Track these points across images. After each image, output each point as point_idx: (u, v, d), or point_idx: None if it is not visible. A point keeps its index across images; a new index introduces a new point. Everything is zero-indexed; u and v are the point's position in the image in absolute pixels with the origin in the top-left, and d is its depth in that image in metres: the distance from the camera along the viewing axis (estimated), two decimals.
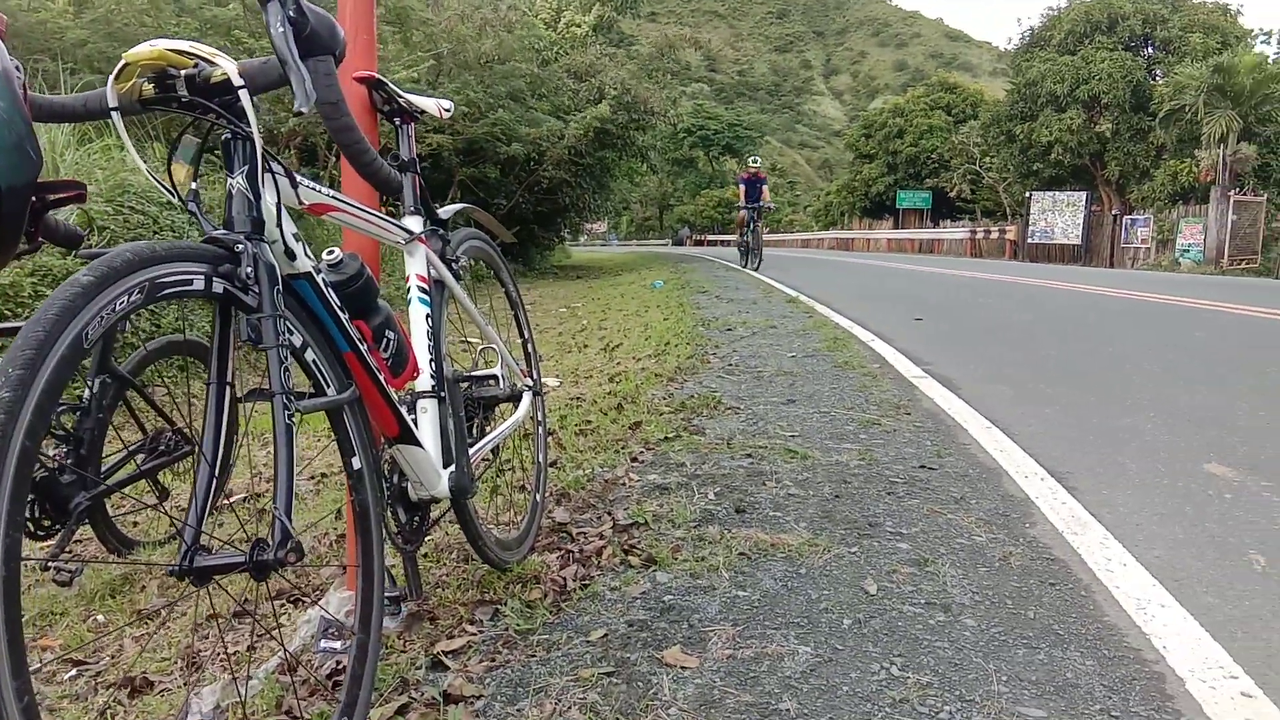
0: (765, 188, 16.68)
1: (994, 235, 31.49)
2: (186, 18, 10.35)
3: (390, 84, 1.75)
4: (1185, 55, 27.08)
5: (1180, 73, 25.29)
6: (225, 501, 3.03)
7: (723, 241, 60.95)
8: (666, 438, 3.47)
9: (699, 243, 63.09)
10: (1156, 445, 3.32)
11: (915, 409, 4.00)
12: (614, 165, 22.68)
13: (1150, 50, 29.79)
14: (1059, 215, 27.99)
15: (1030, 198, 28.98)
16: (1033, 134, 29.48)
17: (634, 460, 3.16)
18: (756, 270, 15.48)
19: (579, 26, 24.75)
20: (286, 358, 1.23)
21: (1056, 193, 28.86)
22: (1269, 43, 28.67)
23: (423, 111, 1.86)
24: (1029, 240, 28.48)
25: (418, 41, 12.08)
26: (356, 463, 1.46)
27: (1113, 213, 28.03)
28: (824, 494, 2.73)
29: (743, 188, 16.76)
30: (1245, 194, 23.24)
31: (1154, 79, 28.30)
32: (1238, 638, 1.80)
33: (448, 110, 1.94)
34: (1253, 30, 29.49)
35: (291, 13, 1.12)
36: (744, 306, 9.03)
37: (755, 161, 17.23)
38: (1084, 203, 27.73)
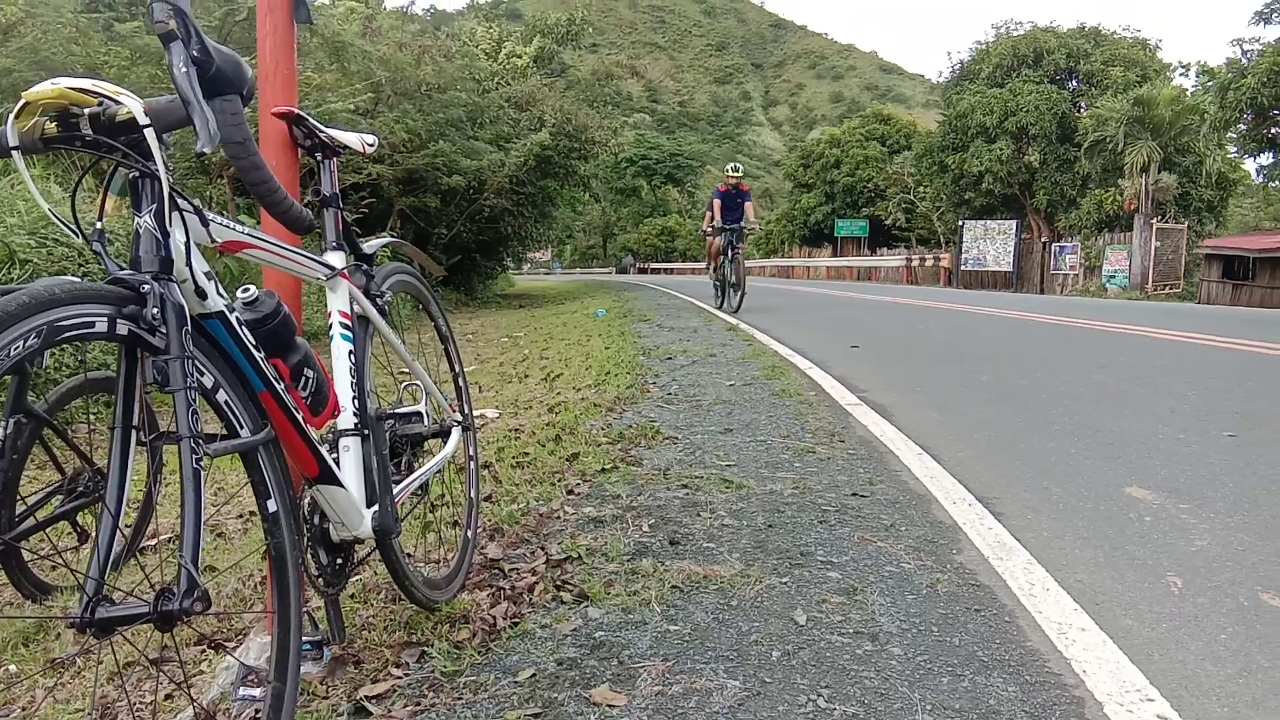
0: (749, 203, 12.82)
1: (929, 263, 32.26)
2: (117, 45, 10.16)
3: (311, 119, 1.74)
4: (1107, 88, 28.17)
5: (1102, 105, 26.31)
6: (151, 542, 2.94)
7: (666, 270, 61.40)
8: (604, 469, 3.46)
9: (643, 271, 63.44)
10: (1081, 469, 3.40)
11: (849, 436, 4.05)
12: (556, 194, 22.77)
13: (1074, 83, 30.91)
14: (990, 243, 28.78)
15: (963, 226, 29.77)
16: (964, 164, 30.30)
17: (570, 493, 3.14)
18: (736, 311, 11.91)
19: (520, 58, 24.83)
20: (194, 400, 1.20)
21: (988, 221, 29.71)
22: (1187, 75, 29.92)
23: (345, 146, 1.84)
24: (962, 267, 29.20)
25: (355, 70, 12.00)
26: (272, 505, 1.43)
27: (1042, 240, 28.92)
28: (757, 524, 2.75)
29: (718, 202, 12.72)
30: (1167, 222, 24.16)
31: (1078, 111, 29.34)
32: (1155, 660, 1.84)
33: (371, 145, 1.93)
34: (1171, 64, 30.81)
35: (195, 52, 1.11)
36: (685, 335, 9.08)
37: (736, 170, 13.09)
38: (1014, 231, 28.57)
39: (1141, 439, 3.90)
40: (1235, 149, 24.38)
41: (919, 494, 3.10)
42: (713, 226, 12.85)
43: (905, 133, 44.82)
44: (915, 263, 33.51)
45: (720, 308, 12.92)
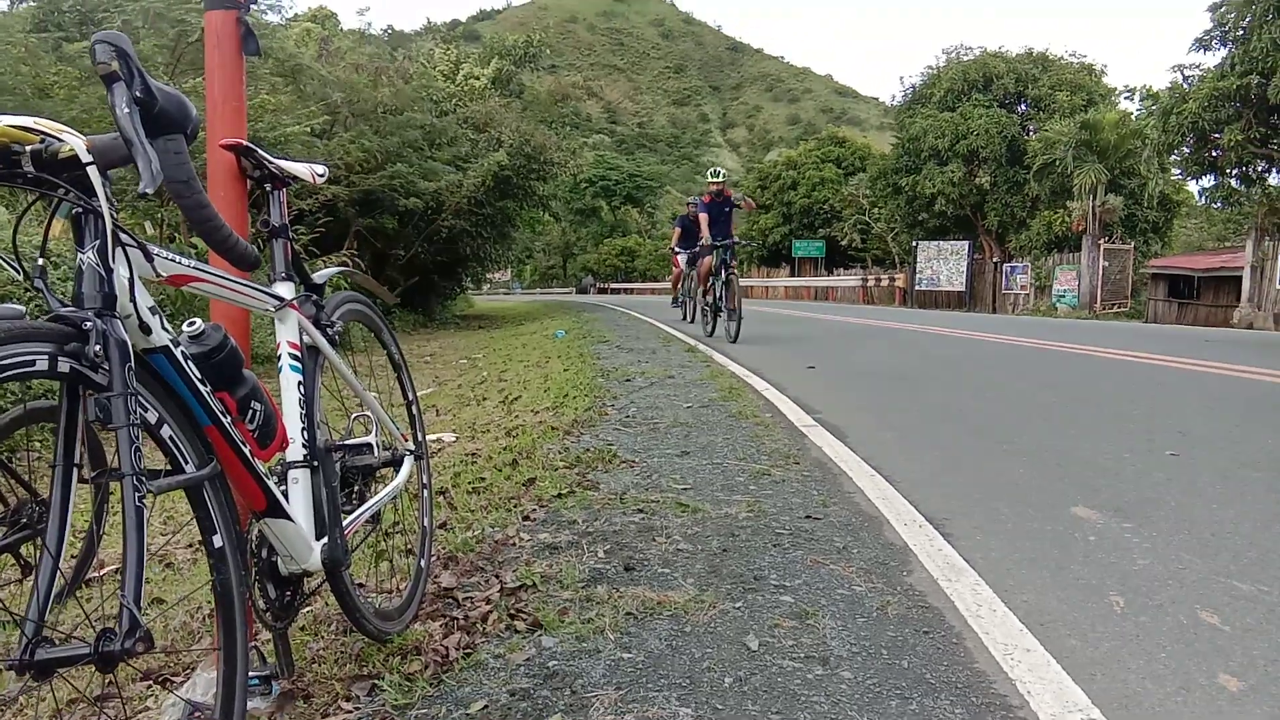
0: (735, 213, 11.61)
1: (884, 283, 32.74)
2: (66, 65, 10.00)
3: (260, 150, 1.74)
4: (1055, 112, 28.89)
5: (1050, 129, 26.98)
6: (96, 574, 2.88)
7: (626, 289, 61.53)
8: (560, 494, 3.46)
9: (602, 291, 63.55)
10: (1029, 489, 3.47)
11: (804, 458, 4.09)
12: (515, 214, 22.78)
13: (1023, 107, 31.66)
14: (944, 263, 29.31)
15: (916, 247, 30.30)
16: (917, 186, 30.85)
17: (526, 519, 3.13)
18: (735, 340, 10.02)
19: (478, 79, 24.87)
20: (137, 436, 1.20)
21: (941, 242, 30.26)
22: (1131, 100, 30.78)
23: (295, 177, 1.84)
24: (917, 287, 29.68)
25: (311, 92, 11.93)
26: (218, 540, 1.42)
27: (993, 261, 29.50)
28: (712, 548, 2.76)
29: (704, 216, 11.10)
30: (1114, 242, 24.80)
31: (1027, 134, 30.04)
32: (1097, 679, 1.88)
33: (321, 175, 1.93)
34: (1116, 89, 31.65)
35: (138, 92, 1.11)
36: (643, 356, 9.11)
37: (718, 175, 11.69)
38: (967, 251, 29.13)
39: (1087, 458, 3.99)
40: (1178, 171, 25.06)
41: (871, 515, 3.14)
42: (699, 245, 11.52)
43: (860, 155, 45.55)
44: (871, 283, 33.97)
45: (711, 334, 10.93)
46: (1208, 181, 22.77)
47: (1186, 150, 21.31)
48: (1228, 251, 23.12)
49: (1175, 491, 3.38)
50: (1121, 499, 3.30)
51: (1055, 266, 25.54)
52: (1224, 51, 19.52)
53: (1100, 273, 23.96)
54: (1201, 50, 20.27)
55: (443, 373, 10.15)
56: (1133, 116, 27.80)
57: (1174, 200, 28.77)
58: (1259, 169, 21.18)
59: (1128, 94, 31.15)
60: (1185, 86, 20.75)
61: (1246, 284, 18.73)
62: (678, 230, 14.87)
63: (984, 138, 28.83)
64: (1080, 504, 3.23)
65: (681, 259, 14.47)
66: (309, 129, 11.03)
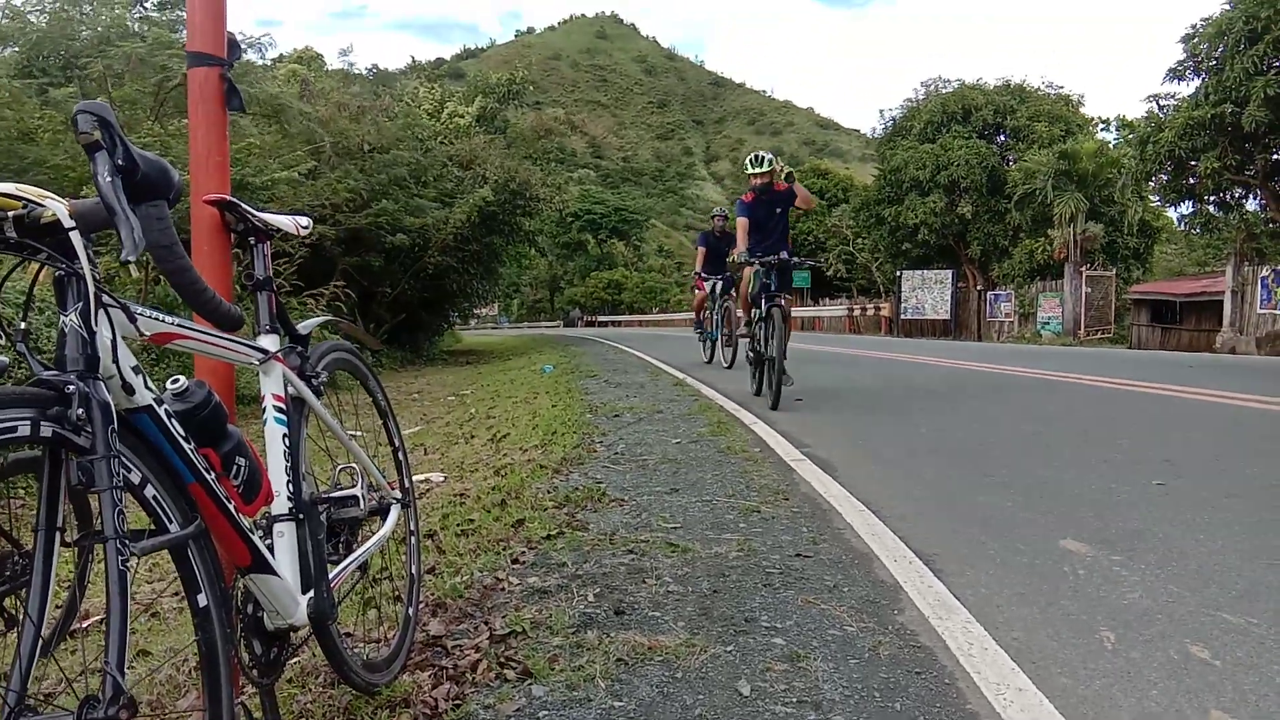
0: (800, 199, 8.02)
1: (870, 312, 32.94)
2: (51, 110, 10.03)
3: (243, 204, 1.74)
4: (1033, 142, 29.27)
5: (1030, 159, 27.34)
6: (80, 625, 2.84)
7: (614, 322, 61.64)
8: (549, 535, 3.44)
9: (590, 324, 63.63)
10: (1017, 522, 3.48)
11: (794, 494, 4.08)
12: (501, 250, 22.86)
13: (1002, 138, 32.06)
14: (928, 292, 29.51)
15: (901, 276, 30.51)
16: (900, 216, 31.11)
17: (515, 562, 3.11)
18: (775, 405, 6.97)
19: (462, 117, 25.06)
20: (120, 499, 1.19)
21: (925, 271, 30.49)
22: (1108, 129, 31.28)
23: (278, 230, 1.85)
24: (902, 316, 29.85)
25: (296, 132, 11.99)
26: (203, 599, 1.40)
27: (977, 289, 29.74)
28: (702, 589, 2.75)
29: (743, 222, 7.91)
30: (1095, 269, 25.05)
31: (1007, 164, 30.40)
32: (1089, 718, 1.88)
33: (305, 227, 1.93)
34: (1092, 119, 32.14)
35: (120, 160, 1.12)
36: (631, 391, 9.11)
37: (762, 162, 7.98)
38: (950, 280, 29.35)
39: (1075, 490, 4.00)
40: (1157, 199, 25.40)
41: (861, 552, 3.13)
42: (732, 259, 9.02)
43: (843, 186, 45.96)
44: (857, 312, 34.18)
45: (758, 392, 7.85)
46: (1186, 208, 23.10)
47: (1164, 178, 21.63)
48: (1208, 277, 23.35)
49: (1163, 523, 3.39)
50: (1109, 531, 3.30)
51: (1039, 294, 25.76)
52: (1197, 81, 19.87)
53: (1083, 299, 24.18)
54: (1175, 80, 20.64)
55: (430, 410, 10.13)
56: (1110, 146, 28.23)
57: (1154, 227, 29.15)
58: (1236, 195, 21.51)
59: (1104, 124, 31.71)
60: (1161, 116, 21.10)
61: (1228, 309, 18.92)
62: (701, 251, 12.07)
63: (964, 168, 29.15)
64: (1069, 536, 3.23)
65: (708, 284, 11.87)
66: (296, 173, 11.07)
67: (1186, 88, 20.54)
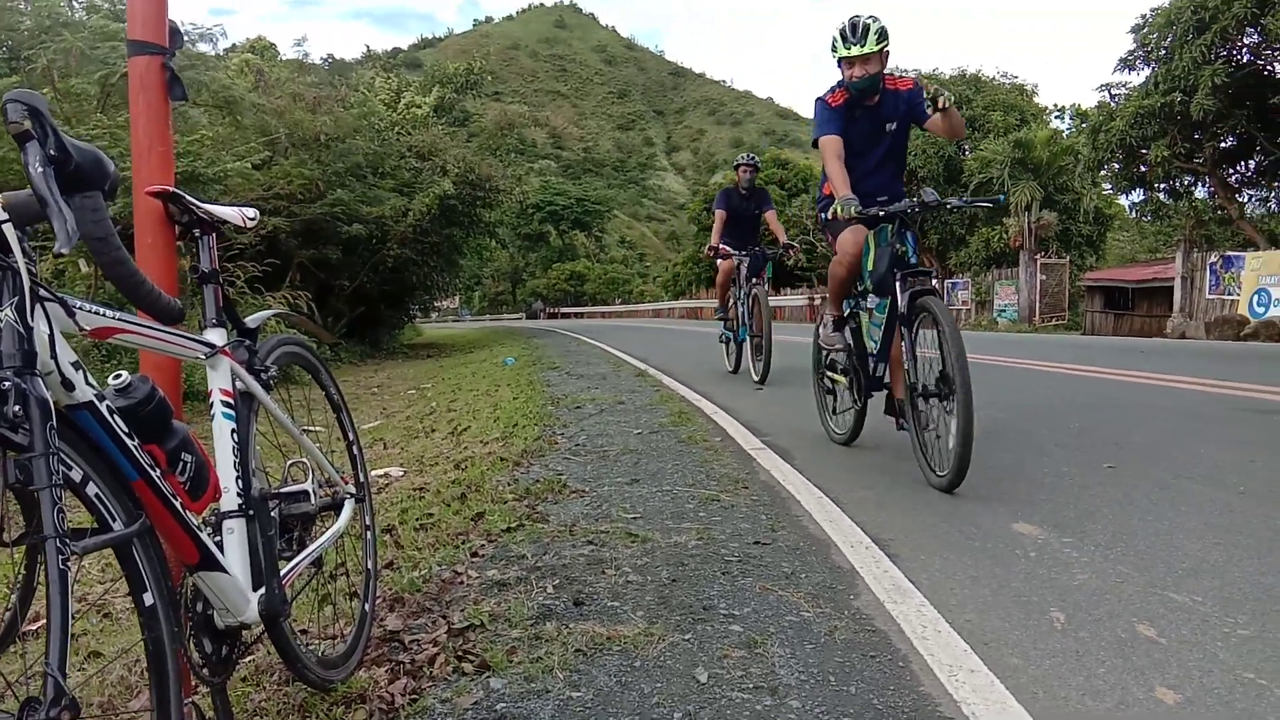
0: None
1: (819, 301, 33.21)
2: None
3: (187, 196, 1.71)
4: (989, 132, 29.63)
5: (985, 148, 27.69)
6: (31, 628, 2.78)
7: (577, 314, 61.50)
8: (509, 528, 3.44)
9: (553, 316, 63.46)
10: (971, 506, 3.53)
11: (753, 482, 4.11)
12: (462, 242, 22.69)
13: None
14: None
15: None
16: None
17: (474, 555, 3.10)
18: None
19: (419, 107, 24.80)
20: (60, 497, 1.17)
21: None
22: (1062, 118, 31.79)
23: (224, 221, 1.82)
24: None
25: (250, 124, 11.80)
26: (149, 598, 1.38)
27: (934, 278, 30.05)
28: (662, 579, 2.76)
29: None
30: (1050, 257, 25.45)
31: (963, 154, 30.76)
32: (1039, 698, 1.91)
33: (252, 219, 1.90)
34: (1046, 108, 32.61)
35: (53, 150, 1.09)
36: (594, 382, 9.10)
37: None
38: None
39: (1028, 474, 4.07)
40: (1109, 187, 25.87)
41: (819, 539, 3.16)
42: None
43: (803, 176, 46.20)
44: (818, 301, 34.40)
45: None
46: (1137, 196, 23.60)
47: (1116, 166, 22.04)
48: (1159, 263, 23.85)
49: (1112, 504, 3.47)
50: (1060, 514, 3.37)
51: (995, 282, 26.14)
52: (1147, 71, 20.26)
53: (1038, 286, 24.56)
54: (1126, 70, 21.03)
55: (390, 404, 10.04)
56: (1063, 134, 28.67)
57: (1106, 214, 29.66)
58: (1185, 183, 22.00)
59: (1058, 113, 32.21)
60: (1112, 105, 21.50)
61: (1178, 295, 19.33)
62: (720, 216, 8.63)
63: (921, 158, 29.42)
64: (1021, 520, 3.29)
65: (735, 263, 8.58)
66: (249, 164, 10.88)
67: (1137, 77, 20.96)
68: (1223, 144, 20.35)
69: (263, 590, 1.69)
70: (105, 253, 1.20)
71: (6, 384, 1.14)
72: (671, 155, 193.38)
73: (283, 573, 1.79)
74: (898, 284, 3.94)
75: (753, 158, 8.68)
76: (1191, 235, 20.78)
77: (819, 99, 4.40)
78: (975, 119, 31.27)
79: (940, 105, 4.03)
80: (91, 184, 1.15)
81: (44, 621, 2.70)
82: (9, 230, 1.11)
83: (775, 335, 8.41)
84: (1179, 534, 3.05)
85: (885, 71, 4.32)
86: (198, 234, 1.80)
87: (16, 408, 1.13)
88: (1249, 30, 17.96)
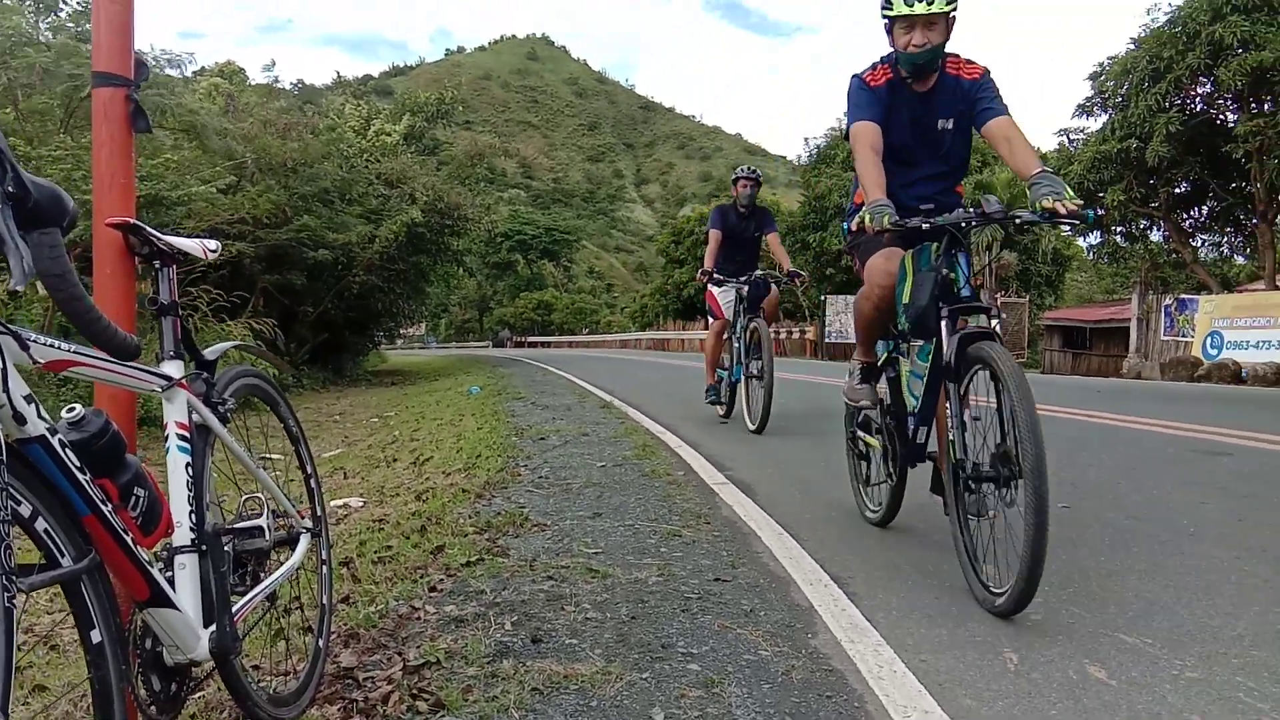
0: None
1: (795, 335, 33.49)
2: None
3: (147, 228, 1.70)
4: None
5: None
6: None
7: (544, 343, 61.37)
8: (469, 562, 3.41)
9: (519, 345, 63.31)
10: (928, 544, 3.56)
11: (715, 517, 4.12)
12: (429, 270, 22.63)
13: None
14: (851, 317, 30.13)
15: (825, 301, 31.11)
16: (824, 242, 31.78)
17: (432, 590, 3.07)
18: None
19: (389, 135, 24.79)
20: (8, 533, 1.15)
21: (849, 296, 31.08)
22: None
23: (185, 253, 1.81)
24: (827, 339, 30.43)
25: (216, 148, 11.73)
26: (96, 635, 1.36)
27: None
28: (621, 615, 2.75)
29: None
30: (1010, 296, 25.93)
31: None
32: None
33: (213, 250, 1.90)
34: None
35: (10, 187, 1.09)
36: (559, 413, 9.08)
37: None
38: None
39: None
40: (1068, 229, 26.45)
41: (779, 576, 3.17)
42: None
43: (772, 212, 46.70)
44: (783, 335, 34.67)
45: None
46: (1095, 238, 24.11)
47: None
48: (1116, 304, 24.40)
49: (1065, 544, 3.51)
50: (1017, 554, 3.40)
51: None
52: (1105, 117, 20.81)
53: (999, 324, 24.99)
54: (1084, 116, 21.59)
55: (353, 432, 9.95)
56: None
57: (1065, 255, 30.34)
58: (1141, 227, 22.54)
59: None
60: (1070, 150, 22.03)
61: (1134, 335, 19.75)
62: (714, 238, 7.36)
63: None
64: (978, 559, 3.32)
65: (724, 298, 7.39)
66: (214, 188, 10.79)
67: (1094, 123, 21.51)
68: (1177, 189, 20.93)
69: (214, 627, 1.67)
70: (62, 289, 1.20)
71: None
72: (641, 188, 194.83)
73: (235, 609, 1.77)
74: (944, 323, 3.07)
75: (754, 170, 7.59)
76: (1147, 278, 21.28)
77: (855, 76, 3.39)
78: None
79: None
80: (50, 220, 1.15)
81: None
82: None
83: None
84: (1130, 575, 3.10)
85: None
86: (158, 265, 1.79)
87: None
88: (1202, 80, 18.55)
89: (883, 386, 3.63)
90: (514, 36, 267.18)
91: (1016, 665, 2.33)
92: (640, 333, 50.39)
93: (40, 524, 1.27)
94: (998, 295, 25.16)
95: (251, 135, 14.01)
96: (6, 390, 1.20)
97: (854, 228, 3.17)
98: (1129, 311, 20.34)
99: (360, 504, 5.16)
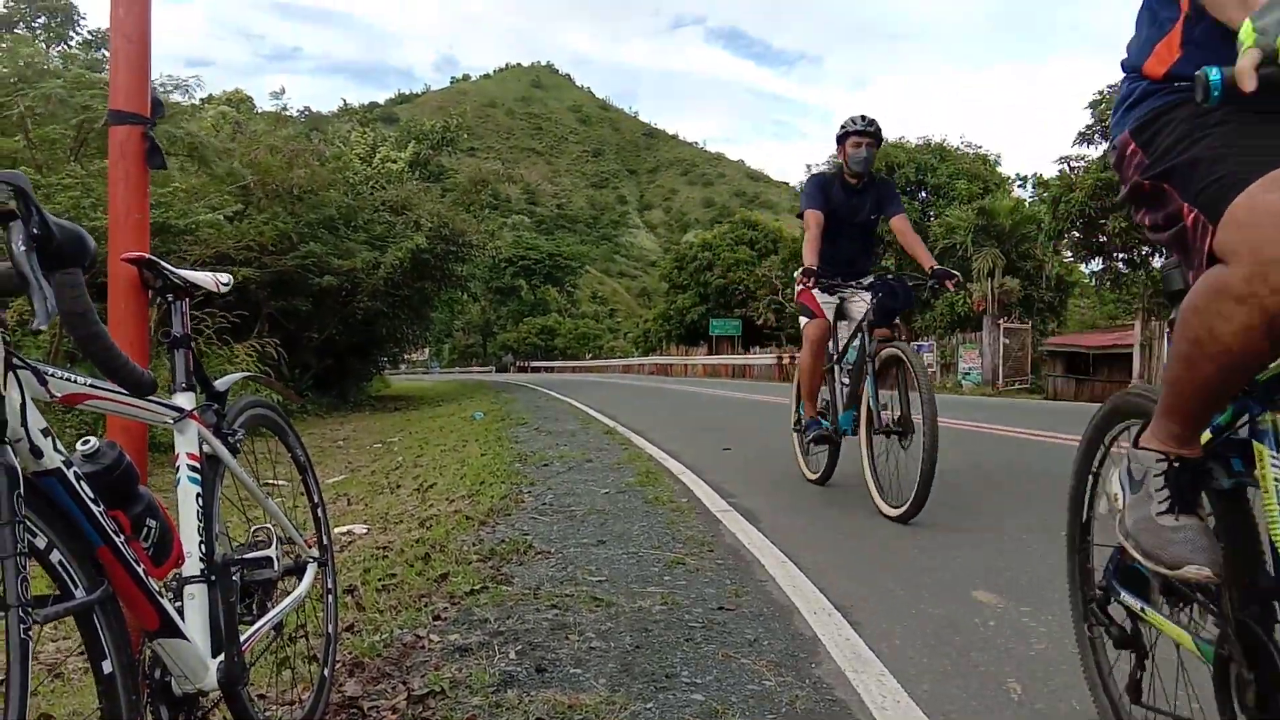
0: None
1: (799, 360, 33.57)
2: None
3: (162, 263, 1.74)
4: (954, 199, 30.41)
5: (950, 215, 28.38)
6: None
7: (548, 368, 61.45)
8: (473, 590, 3.42)
9: (523, 369, 63.37)
10: (933, 572, 3.57)
11: (719, 545, 4.12)
12: (433, 295, 22.70)
13: (924, 194, 33.23)
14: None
15: None
16: None
17: (437, 618, 3.08)
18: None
19: (394, 162, 24.99)
20: (24, 566, 1.17)
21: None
22: (1024, 187, 32.75)
23: (198, 287, 1.84)
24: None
25: (222, 173, 11.83)
26: (107, 666, 1.37)
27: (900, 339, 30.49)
28: (625, 645, 2.76)
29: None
30: (1013, 322, 25.95)
31: (928, 220, 31.47)
32: None
33: (225, 284, 1.93)
34: (1010, 176, 33.60)
35: (35, 229, 1.12)
36: (562, 439, 9.10)
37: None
38: None
39: (990, 540, 4.12)
40: (1070, 255, 26.54)
41: (782, 605, 3.18)
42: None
43: (772, 238, 46.97)
44: (786, 360, 34.69)
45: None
46: (1097, 265, 24.21)
47: (1076, 235, 22.66)
48: (1119, 330, 24.36)
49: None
50: (1019, 581, 3.41)
51: (959, 345, 26.55)
52: (1105, 145, 20.94)
53: (1001, 350, 24.98)
54: (1085, 143, 21.75)
55: (356, 458, 9.95)
56: (1026, 203, 29.49)
57: (1068, 281, 30.38)
58: (1143, 253, 22.61)
59: (1020, 182, 33.17)
60: (1072, 177, 22.17)
61: (1137, 362, 19.73)
62: (814, 219, 5.25)
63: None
64: (981, 587, 3.33)
65: (826, 306, 5.41)
66: (222, 218, 10.88)
67: (1095, 150, 21.65)
68: None
69: (222, 657, 1.68)
70: (82, 328, 1.23)
71: None
72: (644, 213, 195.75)
73: (243, 638, 1.79)
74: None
75: (871, 122, 5.30)
76: (1149, 304, 21.30)
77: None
78: (940, 187, 32.10)
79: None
80: (72, 261, 1.18)
81: None
82: None
83: (752, 395, 8.36)
84: None
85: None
86: (171, 299, 1.82)
87: None
88: None
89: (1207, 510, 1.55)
90: (519, 65, 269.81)
91: (1020, 695, 2.33)
92: (643, 358, 50.48)
93: (55, 555, 1.29)
94: (1000, 320, 25.19)
95: (257, 160, 14.12)
96: (25, 424, 1.23)
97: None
98: (1132, 338, 20.32)
99: (364, 531, 5.16)
